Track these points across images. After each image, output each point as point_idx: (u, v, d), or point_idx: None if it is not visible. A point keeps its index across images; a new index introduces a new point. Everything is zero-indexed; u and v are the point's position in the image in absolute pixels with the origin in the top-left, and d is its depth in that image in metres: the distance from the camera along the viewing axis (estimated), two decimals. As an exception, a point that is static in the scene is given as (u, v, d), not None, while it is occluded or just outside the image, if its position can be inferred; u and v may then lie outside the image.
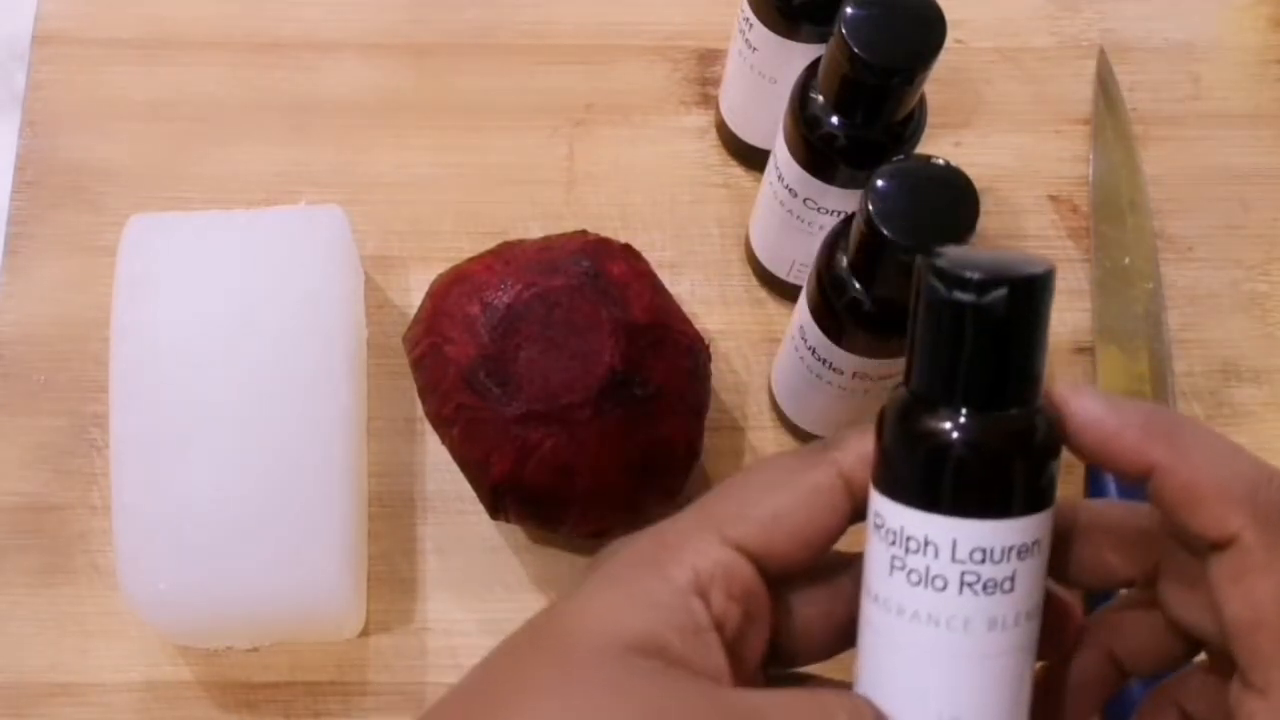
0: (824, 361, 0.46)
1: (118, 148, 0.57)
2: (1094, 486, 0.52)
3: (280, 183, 0.57)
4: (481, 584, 0.51)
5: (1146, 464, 0.29)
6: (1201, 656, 0.32)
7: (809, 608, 0.32)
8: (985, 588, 0.29)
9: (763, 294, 0.56)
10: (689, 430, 0.48)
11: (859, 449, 0.31)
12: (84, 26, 0.59)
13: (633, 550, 0.31)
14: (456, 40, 0.60)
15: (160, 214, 0.51)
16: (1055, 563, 0.31)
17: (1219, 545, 0.29)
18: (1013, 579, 0.29)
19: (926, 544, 0.29)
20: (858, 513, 0.31)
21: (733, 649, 0.30)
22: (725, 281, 0.56)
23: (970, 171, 0.41)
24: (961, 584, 0.29)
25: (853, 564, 0.32)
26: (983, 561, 0.29)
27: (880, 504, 0.30)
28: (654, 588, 0.30)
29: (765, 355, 0.55)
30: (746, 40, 0.50)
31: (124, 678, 0.49)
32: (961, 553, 0.29)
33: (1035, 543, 0.29)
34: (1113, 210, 0.57)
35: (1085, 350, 0.55)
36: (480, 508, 0.49)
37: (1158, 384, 0.54)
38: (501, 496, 0.47)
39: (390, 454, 0.53)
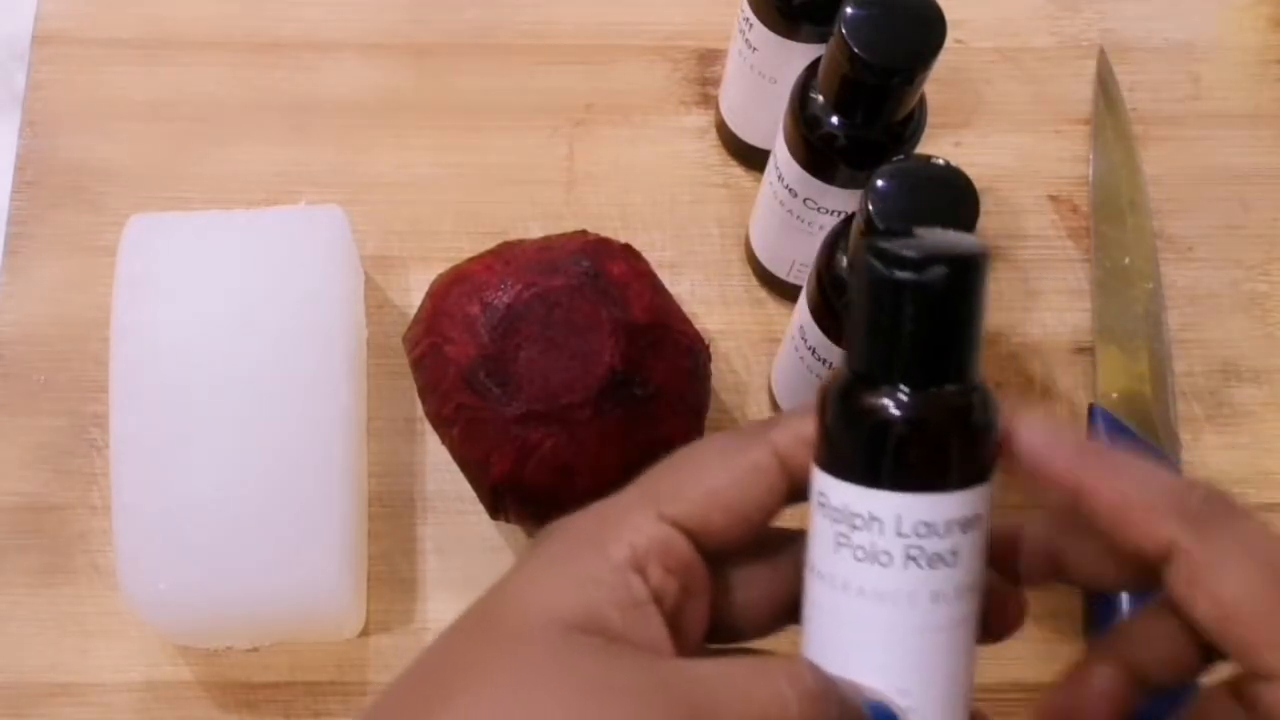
0: (824, 361, 0.46)
1: (118, 148, 0.57)
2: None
3: (280, 183, 0.57)
4: (481, 584, 0.50)
5: (1076, 485, 0.30)
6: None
7: (752, 585, 0.33)
8: (929, 561, 0.29)
9: (763, 294, 0.56)
10: (689, 430, 0.48)
11: (796, 429, 0.32)
12: (84, 26, 0.59)
13: (572, 529, 0.32)
14: (456, 40, 0.60)
15: (160, 214, 0.51)
16: (1059, 562, 0.32)
17: (1161, 558, 0.30)
18: (955, 552, 0.30)
19: (871, 519, 0.30)
20: (793, 492, 0.32)
21: (673, 622, 0.31)
22: (725, 281, 0.56)
23: (970, 171, 0.41)
24: (906, 558, 0.29)
25: (794, 541, 0.33)
26: (926, 535, 0.29)
27: (824, 482, 0.30)
28: (593, 565, 0.30)
29: (765, 355, 0.55)
30: (746, 40, 0.50)
31: (124, 678, 0.49)
32: (905, 527, 0.29)
33: (977, 516, 0.30)
34: (1113, 210, 0.57)
35: (1085, 350, 0.55)
36: (480, 508, 0.49)
37: (1158, 384, 0.54)
38: (501, 496, 0.47)
39: (390, 454, 0.53)
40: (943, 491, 0.29)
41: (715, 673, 0.30)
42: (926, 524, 0.29)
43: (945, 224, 0.40)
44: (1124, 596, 0.49)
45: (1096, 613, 0.50)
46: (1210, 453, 0.54)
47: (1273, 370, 0.56)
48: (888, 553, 0.30)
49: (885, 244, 0.29)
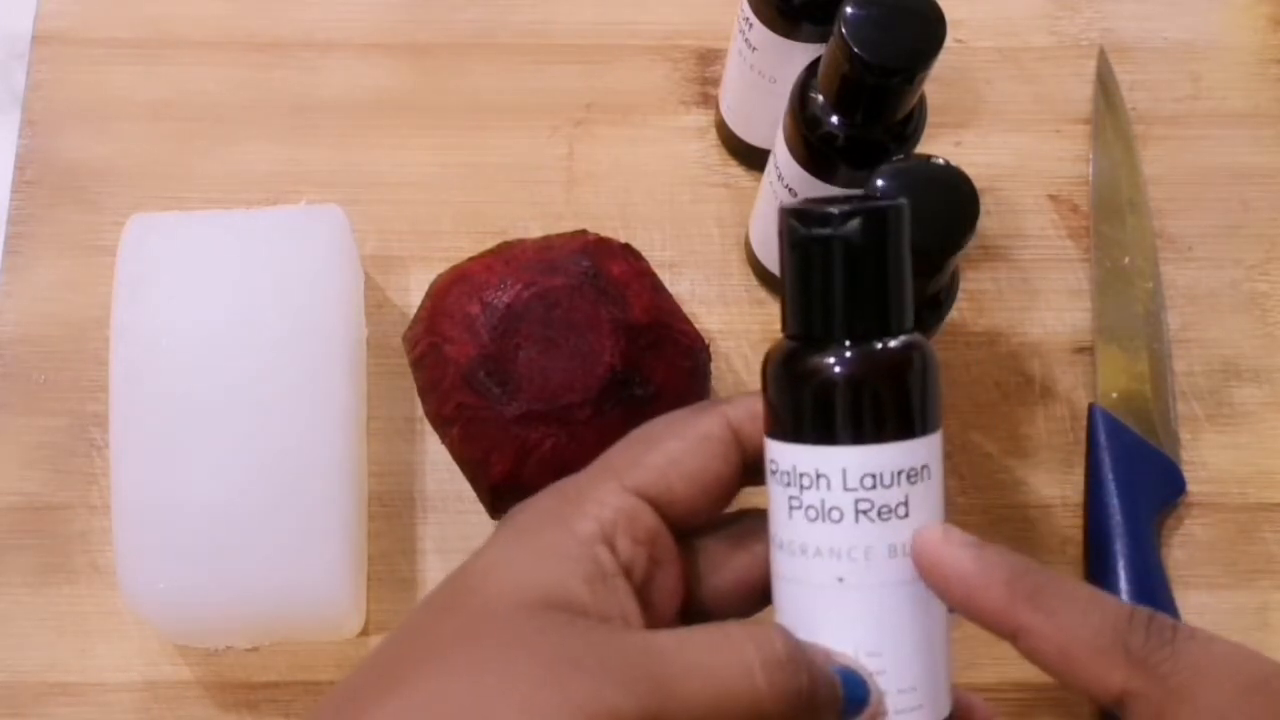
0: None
1: (118, 147, 0.57)
2: (1093, 483, 0.52)
3: (280, 183, 0.57)
4: (481, 584, 0.51)
5: (1013, 626, 0.30)
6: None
7: (726, 568, 0.34)
8: (880, 513, 0.30)
9: (763, 294, 0.56)
10: (689, 430, 0.48)
11: (747, 404, 0.33)
12: (84, 26, 0.59)
13: (536, 507, 0.32)
14: (456, 40, 0.60)
15: (160, 214, 0.51)
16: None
17: (1116, 703, 0.29)
18: (906, 504, 0.31)
19: (818, 477, 0.30)
20: (748, 465, 0.33)
21: (642, 594, 0.31)
22: (725, 281, 0.56)
23: (970, 171, 0.41)
24: (856, 512, 0.30)
25: (764, 522, 0.33)
26: (873, 487, 0.30)
27: (773, 449, 0.31)
28: (559, 540, 0.31)
29: (765, 355, 0.55)
30: (746, 40, 0.50)
31: (124, 678, 0.49)
32: (852, 480, 0.30)
33: (924, 466, 0.31)
34: (1113, 210, 0.57)
35: (1085, 350, 0.55)
36: (480, 508, 0.49)
37: (1158, 384, 0.54)
38: (501, 496, 0.47)
39: (390, 454, 0.53)
40: (886, 442, 0.30)
41: (679, 643, 0.30)
42: (872, 475, 0.30)
43: (945, 224, 0.41)
44: (1124, 596, 0.49)
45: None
46: (1210, 453, 0.54)
47: (1273, 370, 0.56)
48: (838, 508, 0.30)
49: (802, 207, 0.31)
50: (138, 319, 0.48)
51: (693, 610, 0.34)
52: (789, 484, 0.31)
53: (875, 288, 0.31)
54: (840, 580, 0.31)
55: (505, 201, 0.57)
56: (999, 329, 0.56)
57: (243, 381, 0.47)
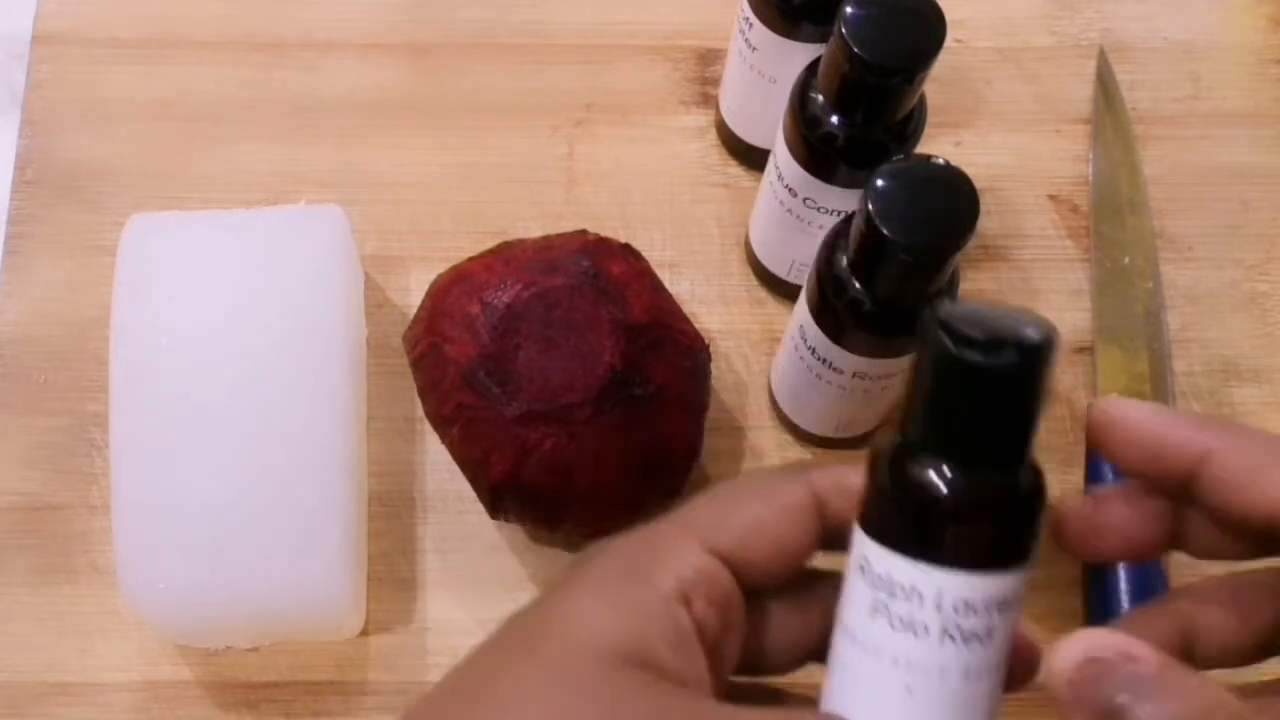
0: (824, 361, 0.46)
1: (118, 148, 0.57)
2: (1093, 484, 0.52)
3: (280, 183, 0.57)
4: (481, 584, 0.51)
5: (1203, 449, 0.30)
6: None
7: (779, 623, 0.33)
8: (965, 639, 0.29)
9: (763, 294, 0.56)
10: (689, 430, 0.48)
11: (836, 476, 0.32)
12: (84, 26, 0.59)
13: (617, 556, 0.32)
14: (456, 40, 0.60)
15: (160, 214, 0.51)
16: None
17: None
18: (991, 632, 0.29)
19: (912, 591, 0.29)
20: (828, 536, 0.32)
21: (710, 655, 0.31)
22: (725, 281, 0.56)
23: (970, 171, 0.41)
24: (943, 634, 0.29)
25: (821, 581, 0.33)
26: (965, 614, 0.29)
27: (868, 547, 0.30)
28: (642, 596, 0.30)
29: (765, 355, 0.55)
30: (746, 40, 0.50)
31: (124, 678, 0.49)
32: (946, 604, 0.29)
33: (1017, 597, 0.30)
34: (1113, 210, 0.57)
35: (1085, 350, 0.55)
36: (480, 508, 0.49)
37: (1158, 384, 0.54)
38: (501, 496, 0.47)
39: (390, 454, 0.53)
40: (987, 572, 0.29)
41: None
42: (967, 603, 0.29)
43: (945, 224, 0.40)
44: (1124, 595, 0.49)
45: (1096, 611, 0.50)
46: (1210, 453, 0.54)
47: (1273, 370, 0.56)
48: (925, 626, 0.29)
49: (955, 321, 0.29)
50: (138, 319, 0.48)
51: (741, 664, 0.33)
52: (878, 587, 0.30)
53: (1014, 419, 0.29)
54: (908, 689, 0.30)
55: (505, 201, 0.57)
56: (999, 329, 0.56)
57: (243, 381, 0.47)
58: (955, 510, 0.29)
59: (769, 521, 0.31)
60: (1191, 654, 0.33)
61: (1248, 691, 0.32)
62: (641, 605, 0.30)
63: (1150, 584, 0.50)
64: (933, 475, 0.29)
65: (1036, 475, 0.30)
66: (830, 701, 0.31)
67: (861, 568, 0.30)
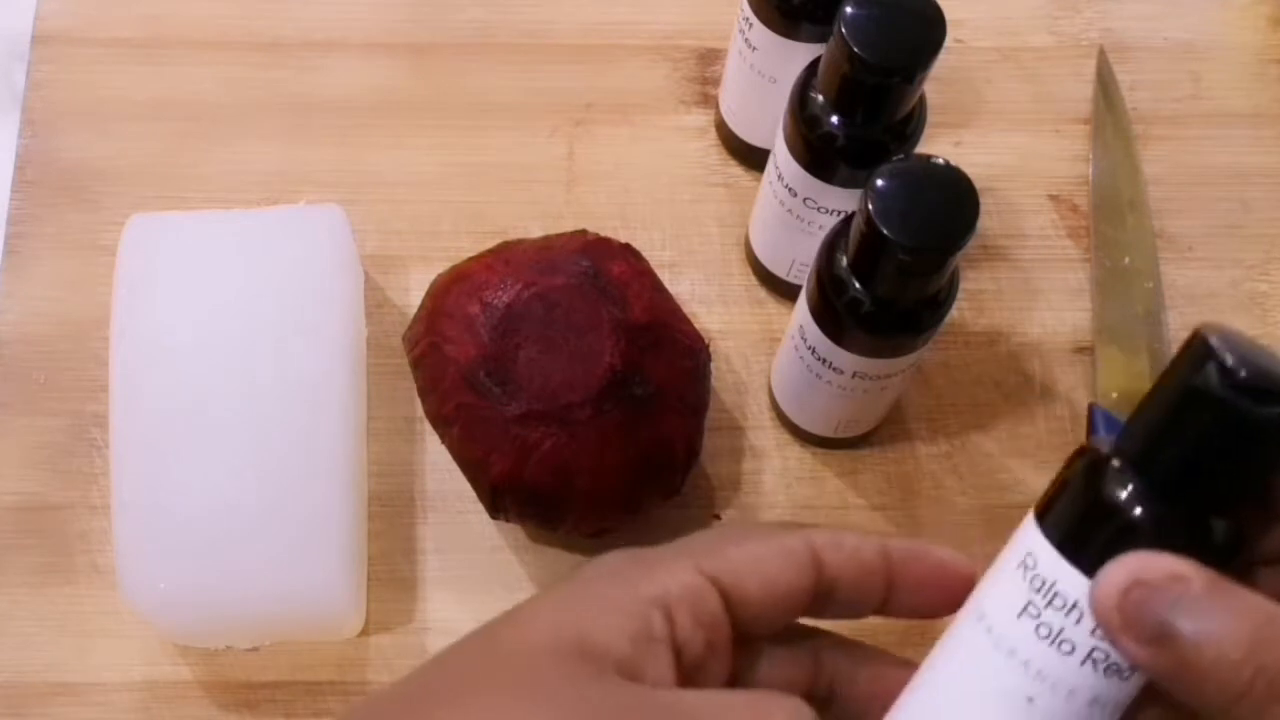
0: (824, 361, 0.46)
1: (118, 148, 0.57)
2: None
3: (280, 182, 0.57)
4: (481, 584, 0.51)
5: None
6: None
7: (771, 662, 0.33)
8: (1106, 670, 0.28)
9: (763, 294, 0.56)
10: (689, 430, 0.48)
11: (832, 535, 0.32)
12: (84, 26, 0.59)
13: (606, 564, 0.32)
14: (456, 40, 0.60)
15: (160, 214, 0.51)
16: None
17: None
18: (1132, 674, 0.28)
19: (1073, 608, 0.28)
20: (820, 591, 0.32)
21: (692, 678, 0.31)
22: (725, 281, 0.56)
23: (970, 171, 0.41)
24: (1089, 657, 0.28)
25: (817, 637, 0.33)
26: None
27: (1040, 546, 0.29)
28: (616, 595, 0.30)
29: (765, 355, 0.55)
30: (746, 40, 0.50)
31: (124, 678, 0.49)
32: (1102, 630, 0.28)
33: None
34: (1113, 210, 0.57)
35: (1085, 350, 0.55)
36: (480, 507, 0.49)
37: (1158, 384, 0.54)
38: (501, 496, 0.47)
39: (390, 454, 0.52)
40: None
41: (709, 702, 0.29)
42: None
43: (945, 224, 0.40)
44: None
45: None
46: (1210, 453, 0.54)
47: (1273, 370, 0.56)
48: (1073, 644, 0.28)
49: (1228, 356, 0.27)
50: (138, 319, 0.48)
51: None
52: (1037, 589, 0.29)
53: (1254, 472, 0.28)
54: (1029, 700, 0.29)
55: (505, 201, 0.57)
56: (999, 329, 0.56)
57: (243, 381, 0.47)
58: (1146, 542, 0.28)
59: (765, 557, 0.32)
60: None
61: None
62: (612, 604, 0.30)
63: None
64: (1143, 504, 0.28)
65: (1238, 529, 0.28)
66: (931, 683, 0.30)
67: (1025, 564, 0.29)
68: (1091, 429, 0.53)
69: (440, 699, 0.29)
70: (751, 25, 0.50)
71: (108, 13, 0.59)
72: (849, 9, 0.42)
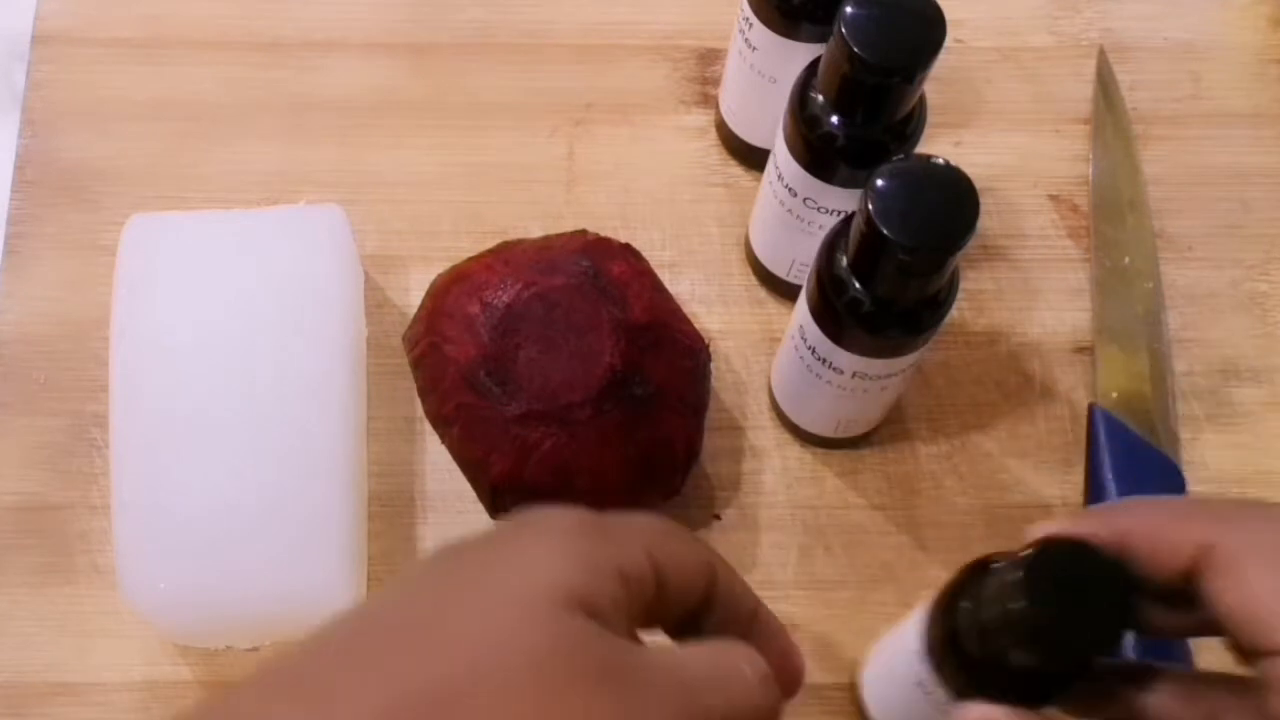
0: (824, 361, 0.46)
1: (118, 147, 0.57)
2: (1093, 484, 0.52)
3: (280, 182, 0.57)
4: (481, 584, 0.51)
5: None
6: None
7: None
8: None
9: (763, 294, 0.56)
10: (689, 430, 0.48)
11: (732, 573, 0.35)
12: (84, 26, 0.59)
13: (570, 517, 0.33)
14: (456, 40, 0.60)
15: (160, 214, 0.51)
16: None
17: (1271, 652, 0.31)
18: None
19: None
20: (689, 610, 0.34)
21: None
22: (725, 281, 0.56)
23: (970, 171, 0.41)
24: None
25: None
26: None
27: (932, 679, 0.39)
28: (596, 555, 0.31)
29: (765, 355, 0.55)
30: (746, 40, 0.50)
31: (124, 678, 0.49)
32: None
33: None
34: (1113, 210, 0.57)
35: (1085, 350, 0.55)
36: (480, 508, 0.49)
37: (1158, 384, 0.54)
38: (501, 496, 0.47)
39: (390, 454, 0.52)
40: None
41: (687, 653, 0.32)
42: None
43: (945, 224, 0.40)
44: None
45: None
46: (1210, 453, 0.54)
47: (1273, 370, 0.56)
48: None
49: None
50: (138, 319, 0.48)
51: None
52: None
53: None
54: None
55: (505, 201, 0.57)
56: (999, 329, 0.56)
57: (243, 381, 0.47)
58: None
59: (689, 564, 0.34)
60: None
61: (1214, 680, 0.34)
62: (595, 563, 0.31)
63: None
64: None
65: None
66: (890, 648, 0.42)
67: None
68: (1091, 429, 0.53)
69: (454, 642, 0.29)
70: (751, 25, 0.50)
71: (108, 13, 0.59)
72: (849, 9, 0.42)
